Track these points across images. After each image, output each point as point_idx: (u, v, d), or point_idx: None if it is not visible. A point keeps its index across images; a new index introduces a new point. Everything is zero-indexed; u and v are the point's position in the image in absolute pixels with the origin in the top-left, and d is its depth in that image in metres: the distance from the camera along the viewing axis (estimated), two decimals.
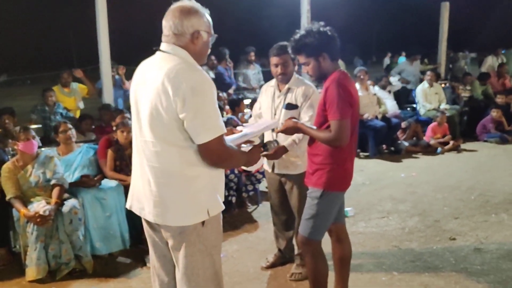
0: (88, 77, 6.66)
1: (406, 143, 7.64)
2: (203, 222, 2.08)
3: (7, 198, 3.79)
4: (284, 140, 3.30)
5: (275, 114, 3.40)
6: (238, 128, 2.62)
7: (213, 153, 2.02)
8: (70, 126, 4.41)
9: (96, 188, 4.14)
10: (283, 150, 3.25)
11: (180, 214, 2.05)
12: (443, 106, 8.31)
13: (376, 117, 7.45)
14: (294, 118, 3.03)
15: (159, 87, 1.96)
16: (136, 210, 2.21)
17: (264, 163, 3.57)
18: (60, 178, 3.95)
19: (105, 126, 5.71)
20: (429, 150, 7.61)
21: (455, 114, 8.33)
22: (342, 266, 3.07)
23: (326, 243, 3.05)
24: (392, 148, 7.71)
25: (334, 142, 2.63)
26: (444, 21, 10.09)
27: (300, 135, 3.25)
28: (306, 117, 3.29)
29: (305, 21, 8.17)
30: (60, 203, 3.81)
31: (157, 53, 2.13)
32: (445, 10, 10.05)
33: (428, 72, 8.52)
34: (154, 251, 2.29)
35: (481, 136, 8.33)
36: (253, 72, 8.47)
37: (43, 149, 4.30)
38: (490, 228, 4.37)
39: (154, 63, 2.10)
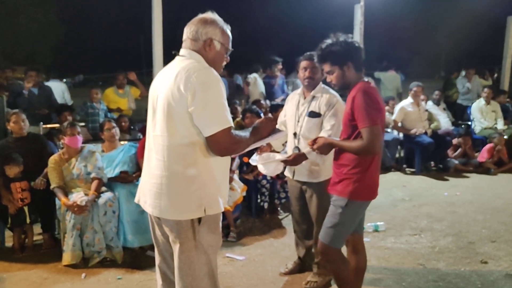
0: (144, 80, 7.09)
1: (455, 161, 7.34)
2: (199, 220, 2.19)
3: (51, 187, 4.13)
4: (305, 147, 3.36)
5: (298, 122, 3.46)
6: None
7: (220, 145, 2.14)
8: (114, 124, 4.71)
9: (133, 184, 4.40)
10: (302, 157, 3.30)
11: (176, 208, 2.17)
12: (500, 124, 7.90)
13: (426, 133, 7.24)
14: (321, 136, 3.07)
15: (172, 83, 2.13)
16: (142, 204, 2.36)
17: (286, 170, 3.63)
18: (99, 172, 4.24)
19: None
20: (481, 170, 7.26)
21: None
22: (356, 278, 3.05)
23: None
24: (441, 166, 7.45)
25: (367, 149, 2.63)
26: (510, 36, 9.57)
27: (320, 143, 3.28)
28: (328, 126, 3.32)
29: (358, 33, 8.13)
30: (97, 195, 4.09)
31: (176, 57, 2.31)
32: (511, 25, 9.54)
33: (485, 89, 8.13)
34: (157, 245, 2.44)
35: None
36: None
37: (88, 144, 4.63)
38: None
39: (171, 65, 2.29)
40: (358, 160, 2.73)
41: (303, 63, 3.48)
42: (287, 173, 3.63)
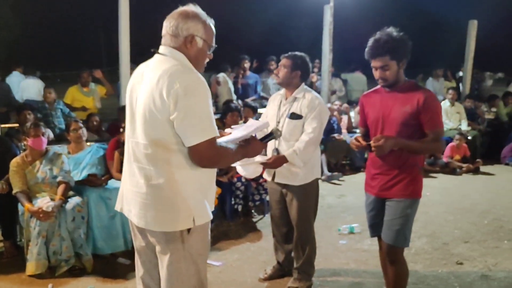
0: (107, 78, 6.80)
1: None
2: (188, 230, 2.05)
3: (14, 192, 3.86)
4: (286, 149, 3.27)
5: (278, 122, 3.37)
6: (227, 130, 2.56)
7: (202, 156, 1.98)
8: (81, 125, 4.48)
9: (102, 187, 4.19)
10: (282, 159, 3.22)
11: (164, 219, 2.03)
12: (464, 125, 8.13)
13: None
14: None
15: (153, 88, 1.96)
16: (125, 212, 2.20)
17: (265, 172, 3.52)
18: (66, 176, 4.00)
19: (121, 126, 5.79)
20: (447, 170, 7.42)
21: (476, 135, 8.14)
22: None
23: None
24: None
25: (442, 149, 2.79)
26: (471, 39, 9.83)
27: (301, 146, 3.20)
28: (310, 129, 3.25)
29: (327, 34, 8.13)
30: (64, 200, 3.85)
31: (156, 55, 2.14)
32: (472, 29, 9.80)
33: (450, 91, 8.34)
34: (139, 256, 2.27)
35: (504, 159, 8.08)
36: (274, 81, 8.43)
37: (53, 146, 4.37)
38: (501, 254, 4.21)
39: (151, 65, 2.11)
40: (411, 159, 2.77)
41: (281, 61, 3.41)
42: (266, 175, 3.52)
